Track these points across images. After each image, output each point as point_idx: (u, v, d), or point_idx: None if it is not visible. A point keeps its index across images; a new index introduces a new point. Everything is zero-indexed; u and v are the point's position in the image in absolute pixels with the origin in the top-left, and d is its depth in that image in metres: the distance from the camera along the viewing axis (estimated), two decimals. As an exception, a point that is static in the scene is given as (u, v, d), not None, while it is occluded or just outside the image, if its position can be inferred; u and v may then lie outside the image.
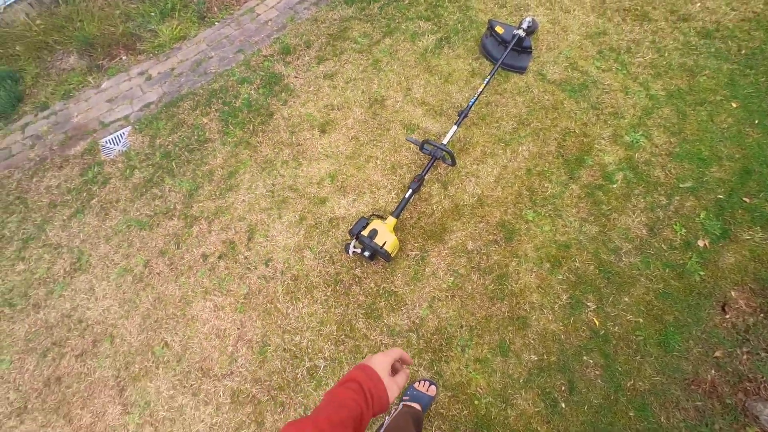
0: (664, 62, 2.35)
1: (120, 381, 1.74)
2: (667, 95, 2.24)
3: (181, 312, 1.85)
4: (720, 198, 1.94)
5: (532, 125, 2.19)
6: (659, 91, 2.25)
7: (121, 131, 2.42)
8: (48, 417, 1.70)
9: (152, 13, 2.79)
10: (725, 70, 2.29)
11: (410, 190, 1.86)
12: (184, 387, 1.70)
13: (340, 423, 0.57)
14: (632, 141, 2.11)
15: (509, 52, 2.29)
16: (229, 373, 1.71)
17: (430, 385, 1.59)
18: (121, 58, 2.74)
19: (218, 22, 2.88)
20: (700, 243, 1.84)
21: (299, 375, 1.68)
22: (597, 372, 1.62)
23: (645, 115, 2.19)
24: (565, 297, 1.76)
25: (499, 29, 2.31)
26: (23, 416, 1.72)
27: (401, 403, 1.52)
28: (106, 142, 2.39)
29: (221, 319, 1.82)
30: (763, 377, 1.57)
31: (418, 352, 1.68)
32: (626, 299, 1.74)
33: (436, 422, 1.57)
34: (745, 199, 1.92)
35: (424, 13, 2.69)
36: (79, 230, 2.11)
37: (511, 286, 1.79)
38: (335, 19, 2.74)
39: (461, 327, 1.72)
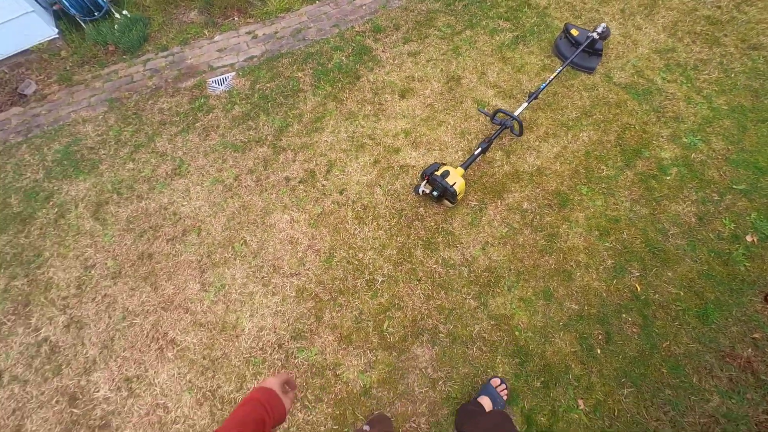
0: (730, 82, 2.63)
1: (202, 265, 2.11)
2: (730, 109, 2.50)
3: (261, 219, 2.23)
4: (773, 203, 2.14)
5: (594, 116, 2.51)
6: (722, 105, 2.52)
7: (226, 75, 2.95)
8: (138, 283, 2.09)
9: (266, -14, 3.40)
10: None
11: (479, 148, 2.19)
12: (257, 278, 2.04)
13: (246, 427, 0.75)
14: (690, 143, 2.37)
15: (580, 52, 2.66)
16: (296, 273, 2.04)
17: (504, 389, 1.67)
18: (233, 19, 3.34)
19: (319, 0, 3.46)
20: (749, 238, 2.04)
21: (359, 284, 1.98)
22: (634, 330, 1.82)
23: (705, 123, 2.45)
24: (610, 262, 1.99)
25: (574, 32, 2.70)
26: (117, 279, 2.11)
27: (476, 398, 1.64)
28: (213, 82, 2.92)
29: (295, 230, 2.17)
30: (800, 362, 1.71)
31: (467, 283, 1.95)
32: (669, 273, 1.95)
33: (478, 343, 1.81)
34: (798, 207, 2.12)
35: (503, 14, 3.13)
36: (182, 144, 2.58)
37: (560, 244, 2.05)
38: (423, 10, 3.23)
39: (509, 270, 1.98)
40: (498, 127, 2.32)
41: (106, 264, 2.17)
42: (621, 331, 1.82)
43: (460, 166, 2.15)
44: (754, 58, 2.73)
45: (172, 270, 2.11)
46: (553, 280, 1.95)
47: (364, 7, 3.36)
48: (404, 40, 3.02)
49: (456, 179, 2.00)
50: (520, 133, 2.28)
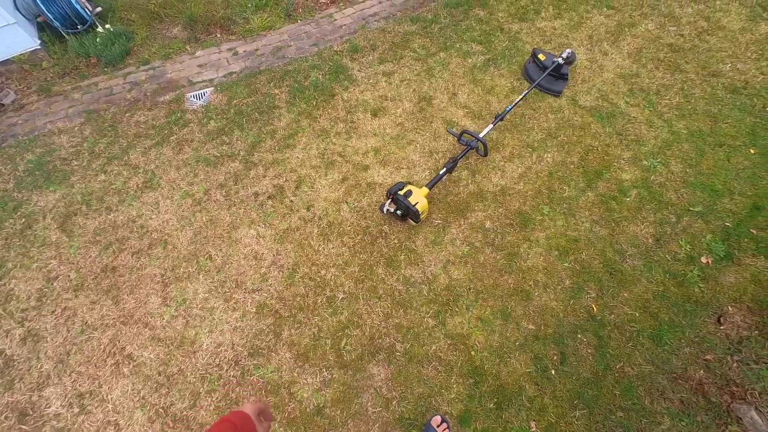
0: (690, 107, 2.68)
1: (165, 279, 2.07)
2: (689, 133, 2.54)
3: (227, 234, 2.20)
4: (727, 226, 2.16)
5: (559, 138, 2.53)
6: (681, 129, 2.56)
7: (205, 90, 2.95)
8: (99, 296, 2.04)
9: (249, 5, 3.44)
10: (748, 122, 2.59)
11: (445, 169, 2.20)
12: (218, 293, 2.00)
13: None
14: (650, 165, 2.40)
15: (547, 76, 2.71)
16: (258, 288, 2.01)
17: (446, 428, 1.61)
18: (216, 36, 3.36)
19: (301, 20, 3.49)
20: (704, 260, 2.05)
21: (319, 301, 1.95)
22: (589, 351, 1.81)
23: (665, 146, 2.49)
24: (568, 282, 1.99)
25: (541, 56, 2.75)
26: (79, 292, 2.06)
27: None
28: (191, 96, 2.91)
29: (261, 245, 2.15)
30: (750, 384, 1.70)
31: (427, 302, 1.93)
32: (625, 294, 1.95)
33: (434, 363, 1.78)
34: (752, 230, 2.14)
35: (477, 38, 3.18)
36: (155, 157, 2.56)
37: (520, 264, 2.04)
38: (400, 32, 3.28)
39: (469, 289, 1.97)
40: (464, 147, 2.33)
41: (69, 276, 2.12)
42: (576, 351, 1.80)
43: (425, 185, 2.15)
44: (714, 84, 2.80)
45: (134, 284, 2.07)
46: (512, 300, 1.93)
47: (343, 27, 3.40)
48: (380, 61, 3.05)
49: (418, 199, 1.99)
50: (485, 154, 2.29)
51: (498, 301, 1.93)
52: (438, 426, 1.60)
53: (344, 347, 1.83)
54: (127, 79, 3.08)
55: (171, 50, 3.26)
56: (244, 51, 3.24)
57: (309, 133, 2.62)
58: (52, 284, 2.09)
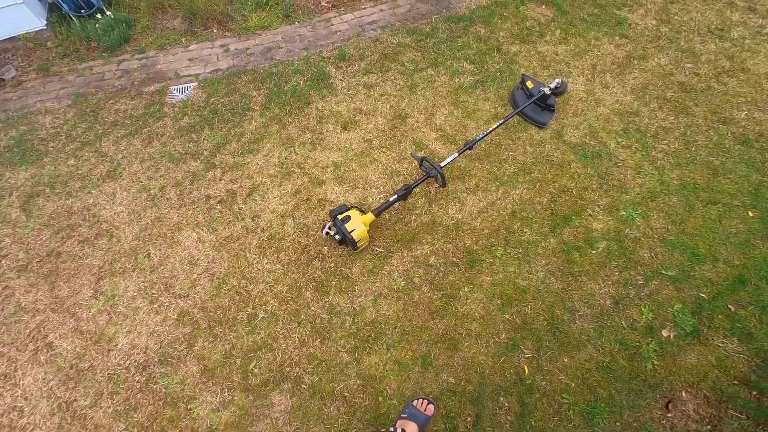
0: (689, 155, 2.38)
1: (102, 271, 2.05)
2: (681, 185, 2.25)
3: (171, 234, 2.15)
4: (702, 297, 1.88)
5: (532, 174, 2.31)
6: (673, 180, 2.28)
7: (189, 84, 2.93)
8: (38, 280, 2.05)
9: (249, 2, 3.39)
10: (753, 180, 2.26)
11: (395, 196, 2.04)
12: (147, 293, 1.96)
13: None
14: (628, 216, 2.14)
15: (532, 105, 2.49)
16: (185, 294, 1.95)
17: (428, 404, 1.59)
18: (212, 31, 3.34)
19: (298, 22, 3.41)
20: (665, 333, 1.80)
21: (240, 317, 1.87)
22: (509, 417, 1.62)
23: (650, 196, 2.21)
24: (503, 336, 1.79)
25: (529, 84, 2.52)
26: (21, 273, 2.08)
27: (398, 420, 1.55)
28: (174, 90, 2.90)
29: (199, 250, 2.09)
30: (685, 489, 1.46)
31: (347, 335, 1.80)
32: (565, 359, 1.73)
33: (338, 402, 1.65)
34: (729, 306, 1.85)
35: (471, 56, 2.98)
36: (125, 147, 2.56)
37: (456, 308, 1.86)
38: (393, 43, 3.12)
39: (395, 328, 1.82)
40: (423, 174, 2.17)
41: (17, 256, 2.15)
42: (494, 416, 1.62)
43: (372, 211, 2.01)
44: (722, 132, 2.47)
45: (73, 272, 2.06)
46: (437, 347, 1.77)
47: (338, 33, 3.29)
48: (365, 71, 2.92)
49: (356, 226, 1.86)
50: (443, 185, 2.12)
51: (422, 345, 1.77)
52: (421, 405, 1.56)
53: (252, 369, 1.74)
54: (120, 66, 3.11)
55: (167, 41, 3.26)
56: (236, 49, 3.20)
57: (275, 140, 2.53)
58: (0, 261, 2.13)
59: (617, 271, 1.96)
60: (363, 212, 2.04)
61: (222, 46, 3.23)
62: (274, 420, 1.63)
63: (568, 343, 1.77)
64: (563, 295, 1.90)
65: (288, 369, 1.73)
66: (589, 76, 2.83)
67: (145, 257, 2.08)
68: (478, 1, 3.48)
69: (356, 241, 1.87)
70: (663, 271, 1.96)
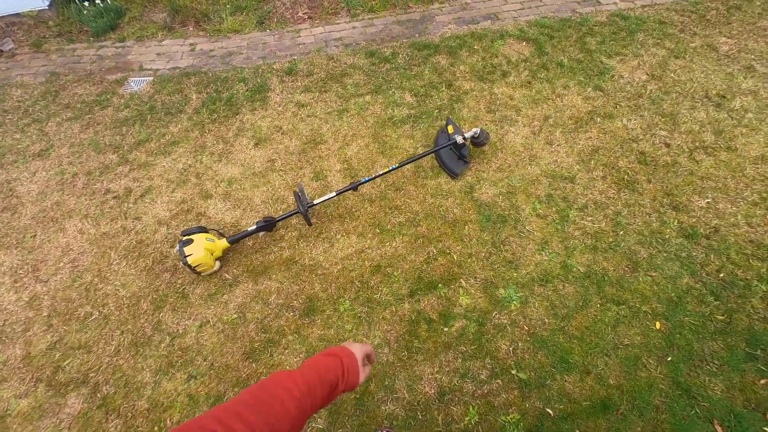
0: (612, 240, 2.09)
1: (-7, 243, 2.30)
2: (585, 274, 1.99)
3: (61, 220, 2.35)
4: (548, 414, 1.65)
5: (419, 228, 2.18)
6: (579, 266, 2.02)
7: (145, 78, 3.17)
8: (-55, 239, 2.34)
9: (228, 6, 3.57)
10: (680, 284, 1.94)
11: (255, 226, 2.05)
12: (15, 272, 2.16)
13: (321, 383, 0.72)
14: (505, 297, 1.94)
15: (451, 153, 2.35)
16: (46, 280, 2.12)
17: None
18: (188, 28, 3.58)
19: (269, 30, 3.53)
20: (483, 442, 1.60)
21: (78, 313, 1.99)
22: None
23: (542, 280, 1.98)
24: (306, 397, 1.72)
25: (450, 129, 2.37)
26: (-63, 230, 2.39)
27: None
28: (132, 81, 3.15)
29: (76, 240, 2.25)
30: None
31: (159, 355, 1.84)
32: (358, 441, 1.62)
33: (117, 421, 1.69)
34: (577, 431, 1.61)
35: (417, 88, 2.88)
36: (65, 130, 2.83)
37: (272, 355, 1.82)
38: (346, 64, 3.11)
39: (205, 360, 1.82)
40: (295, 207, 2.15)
41: (-58, 213, 2.47)
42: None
43: (227, 238, 2.03)
44: (667, 220, 2.14)
45: (-28, 237, 2.33)
46: (234, 392, 1.74)
47: (301, 46, 3.35)
48: (304, 89, 2.94)
49: (195, 251, 1.89)
50: (309, 224, 2.08)
51: (221, 385, 1.75)
52: None
53: (65, 366, 1.84)
54: (98, 52, 3.45)
55: (145, 33, 3.55)
56: (201, 49, 3.39)
57: (189, 146, 2.65)
58: (-73, 215, 2.47)
59: (461, 358, 1.79)
60: (222, 236, 2.08)
61: (191, 44, 3.44)
62: (59, 421, 1.71)
63: (366, 425, 1.65)
64: (388, 369, 1.77)
65: (93, 374, 1.81)
66: (536, 128, 2.59)
67: (31, 237, 2.30)
68: (457, 31, 3.35)
69: (193, 265, 1.90)
70: (514, 371, 1.74)
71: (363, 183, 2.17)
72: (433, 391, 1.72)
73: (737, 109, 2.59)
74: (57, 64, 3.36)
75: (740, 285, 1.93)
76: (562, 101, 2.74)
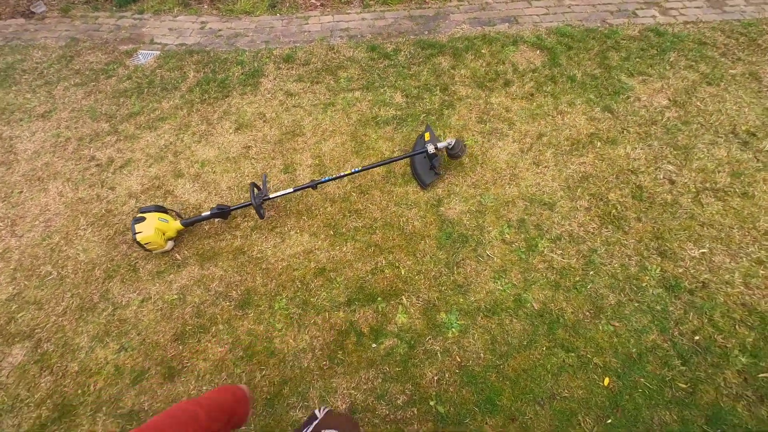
0: (578, 279, 1.96)
1: (-14, 194, 2.53)
2: (538, 313, 1.88)
3: (46, 180, 2.55)
4: (457, 452, 1.59)
5: (374, 236, 2.15)
6: (534, 302, 1.91)
7: (153, 52, 3.33)
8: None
9: (243, -13, 3.66)
10: (646, 341, 1.79)
11: (209, 212, 2.11)
12: (-3, 224, 2.38)
13: (221, 411, 0.84)
14: (444, 323, 1.87)
15: (424, 161, 2.28)
16: (20, 235, 2.31)
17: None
18: (203, 6, 3.70)
19: (279, 14, 3.58)
20: (382, 469, 1.58)
21: (40, 271, 2.15)
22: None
23: (489, 311, 1.89)
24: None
25: (427, 136, 2.30)
26: (-55, 175, 2.68)
27: None
28: (140, 54, 3.32)
29: (55, 201, 2.43)
30: None
31: (98, 323, 1.95)
32: (259, 442, 1.65)
33: (48, 378, 1.82)
34: (482, 478, 1.54)
35: (410, 89, 2.81)
36: (70, 95, 3.05)
37: (199, 341, 1.88)
38: (345, 56, 3.10)
39: (139, 334, 1.92)
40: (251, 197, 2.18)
41: (-47, 160, 2.76)
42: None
43: (181, 221, 2.11)
44: (649, 266, 1.97)
45: (-29, 186, 2.58)
46: (156, 369, 1.81)
47: (306, 33, 3.37)
48: (297, 78, 2.97)
49: (146, 229, 1.98)
50: (260, 217, 2.10)
51: (147, 361, 1.84)
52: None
53: (18, 318, 2.00)
54: (117, 22, 3.66)
55: (163, 7, 3.72)
56: (210, 28, 3.50)
57: (175, 123, 2.77)
58: (-60, 160, 2.76)
59: (382, 379, 1.75)
60: (180, 217, 2.16)
61: (202, 22, 3.56)
62: (1, 368, 1.88)
63: (270, 428, 1.67)
64: (306, 376, 1.77)
65: (38, 331, 1.97)
66: (526, 146, 2.46)
67: (18, 193, 2.51)
68: (469, 32, 3.22)
69: (142, 243, 1.99)
70: (434, 402, 1.69)
71: (323, 182, 2.17)
72: (345, 406, 1.71)
73: (766, 151, 2.31)
74: (79, 30, 3.61)
75: (716, 352, 1.75)
76: (562, 119, 2.57)
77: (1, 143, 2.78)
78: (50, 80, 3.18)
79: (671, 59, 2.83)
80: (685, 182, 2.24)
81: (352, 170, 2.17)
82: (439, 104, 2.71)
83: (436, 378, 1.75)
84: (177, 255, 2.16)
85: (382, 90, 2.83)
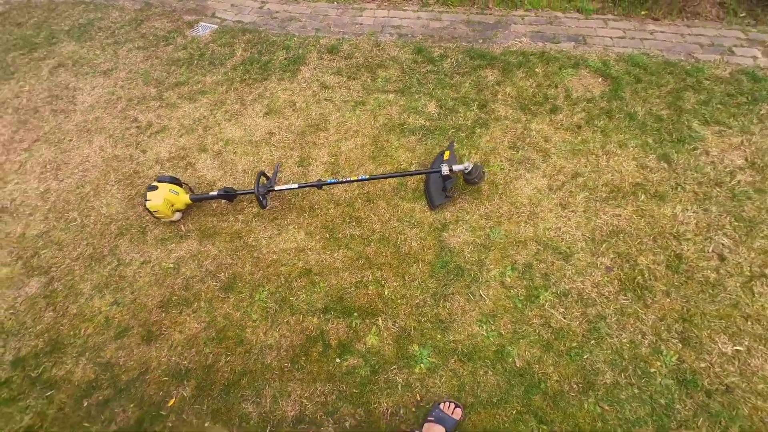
0: (575, 345, 1.80)
1: (43, 135, 2.88)
2: (518, 371, 1.76)
3: (94, 132, 2.84)
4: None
5: (368, 248, 2.14)
6: (517, 358, 1.79)
7: (212, 25, 3.55)
8: (12, 121, 3.01)
9: (308, -30, 3.75)
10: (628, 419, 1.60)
11: (217, 193, 2.22)
12: (45, 165, 2.69)
13: None
14: (414, 356, 1.83)
15: (438, 180, 2.21)
16: (61, 180, 2.61)
17: (455, 408, 1.65)
18: (268, -14, 3.85)
19: (336, 2, 3.62)
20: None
21: (68, 215, 2.42)
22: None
23: (466, 355, 1.81)
24: (186, 362, 1.87)
25: (447, 155, 2.22)
26: (14, 113, 3.08)
27: (424, 424, 1.61)
28: (200, 26, 3.56)
29: (96, 153, 2.71)
30: None
31: (101, 275, 2.16)
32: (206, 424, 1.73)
33: (51, 314, 2.06)
34: None
35: (446, 100, 2.72)
36: (131, 57, 3.36)
37: (181, 313, 2.01)
38: (389, 56, 3.07)
39: (132, 292, 2.09)
40: (265, 181, 2.26)
41: (21, 101, 3.16)
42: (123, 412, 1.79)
43: (191, 195, 2.25)
44: (666, 351, 1.77)
45: (31, 127, 2.95)
46: (138, 330, 1.96)
47: (357, 26, 3.38)
48: (336, 71, 3.00)
49: (156, 198, 2.13)
50: (261, 207, 2.17)
51: (133, 320, 2.00)
52: (448, 408, 1.66)
53: (41, 254, 2.28)
54: (198, -7, 3.94)
55: (232, -17, 3.93)
56: (268, 9, 3.65)
57: (212, 99, 2.93)
58: (12, 101, 3.19)
59: (336, 396, 1.75)
60: (192, 191, 2.31)
61: (262, 2, 3.72)
62: (18, 296, 2.15)
63: (221, 414, 1.75)
64: (266, 373, 1.82)
65: (54, 270, 2.22)
66: (557, 184, 2.28)
67: (69, 140, 2.83)
68: (528, 46, 3.03)
69: (150, 210, 2.16)
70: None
71: (328, 184, 2.19)
72: (293, 413, 1.74)
73: None
74: (155, -5, 3.94)
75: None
76: (607, 161, 2.34)
77: (67, 93, 3.15)
78: (119, 40, 3.52)
79: (762, 112, 2.45)
80: (739, 262, 1.94)
81: (359, 177, 2.16)
82: (473, 121, 2.60)
83: (390, 411, 1.72)
84: (182, 227, 2.31)
85: (417, 96, 2.77)
